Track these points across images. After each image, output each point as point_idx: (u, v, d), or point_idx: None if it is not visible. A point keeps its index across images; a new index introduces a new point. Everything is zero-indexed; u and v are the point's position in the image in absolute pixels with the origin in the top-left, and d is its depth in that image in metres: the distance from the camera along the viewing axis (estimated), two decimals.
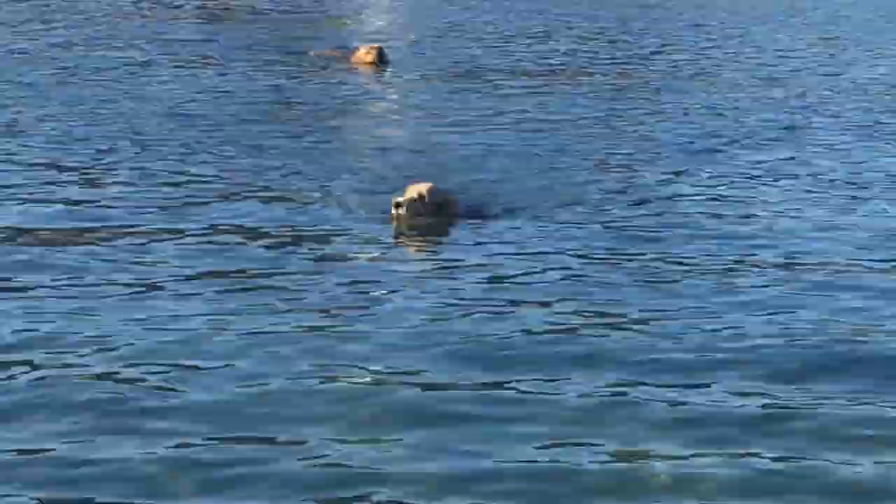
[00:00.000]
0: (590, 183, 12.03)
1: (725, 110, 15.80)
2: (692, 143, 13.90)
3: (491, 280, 9.17)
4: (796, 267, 9.65)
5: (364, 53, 19.13)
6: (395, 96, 16.99)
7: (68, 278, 8.86)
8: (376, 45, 19.34)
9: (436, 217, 10.44)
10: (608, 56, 20.47)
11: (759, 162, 12.95)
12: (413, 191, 10.52)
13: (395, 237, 10.27)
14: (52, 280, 8.83)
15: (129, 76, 17.09)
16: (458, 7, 26.19)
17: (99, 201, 10.89)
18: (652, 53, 20.95)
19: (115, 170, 11.97)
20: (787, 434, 6.80)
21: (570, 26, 23.79)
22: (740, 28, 24.26)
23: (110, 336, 7.79)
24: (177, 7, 24.83)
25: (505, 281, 9.16)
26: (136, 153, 12.66)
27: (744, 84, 17.86)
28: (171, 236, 9.96)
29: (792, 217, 11.02)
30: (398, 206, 10.39)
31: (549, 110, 15.55)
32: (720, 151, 13.48)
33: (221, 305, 8.44)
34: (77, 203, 10.82)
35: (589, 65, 19.50)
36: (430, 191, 10.52)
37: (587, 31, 23.38)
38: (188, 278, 8.98)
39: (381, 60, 18.97)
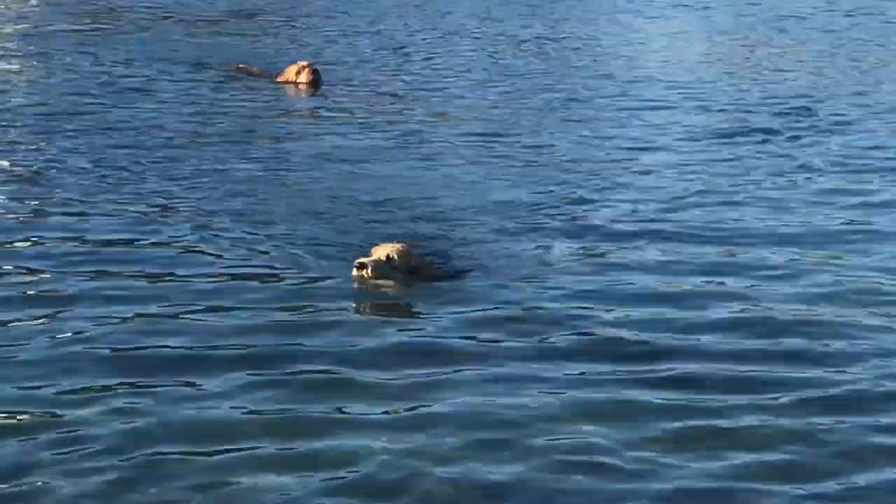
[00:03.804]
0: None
1: None
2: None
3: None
4: None
5: (295, 72, 17.90)
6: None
7: None
8: (308, 63, 18.15)
9: (406, 280, 9.39)
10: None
11: None
12: (381, 251, 9.48)
13: (354, 299, 9.19)
14: None
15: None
16: None
17: None
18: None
19: None
20: None
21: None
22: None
23: None
24: None
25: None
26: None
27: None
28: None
29: None
30: (361, 266, 9.35)
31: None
32: None
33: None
34: None
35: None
36: (399, 253, 9.47)
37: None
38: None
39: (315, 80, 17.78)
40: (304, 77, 17.63)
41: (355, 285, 9.30)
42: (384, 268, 9.38)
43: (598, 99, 17.70)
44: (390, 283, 9.33)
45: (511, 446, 6.93)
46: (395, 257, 9.41)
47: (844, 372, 8.16)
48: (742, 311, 9.22)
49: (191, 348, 8.06)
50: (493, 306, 9.06)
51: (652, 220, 11.47)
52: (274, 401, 7.35)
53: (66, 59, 18.51)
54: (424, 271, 9.62)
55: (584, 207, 11.84)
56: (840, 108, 17.27)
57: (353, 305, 9.05)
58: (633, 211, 11.81)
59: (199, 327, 8.38)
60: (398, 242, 9.65)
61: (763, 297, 9.54)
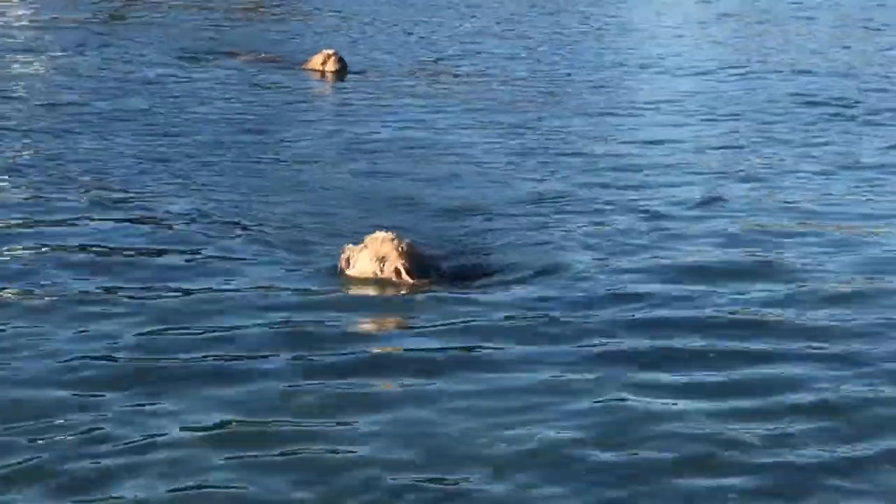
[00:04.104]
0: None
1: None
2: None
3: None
4: None
5: (321, 60, 17.71)
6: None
7: None
8: (333, 51, 17.97)
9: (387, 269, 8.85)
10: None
11: None
12: (371, 242, 8.94)
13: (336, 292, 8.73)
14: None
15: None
16: None
17: None
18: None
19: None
20: None
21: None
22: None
23: None
24: None
25: None
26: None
27: None
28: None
29: None
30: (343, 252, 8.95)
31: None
32: None
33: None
34: None
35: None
36: (371, 240, 8.89)
37: None
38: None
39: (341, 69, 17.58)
40: (329, 66, 17.52)
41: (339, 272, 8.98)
42: (368, 260, 8.90)
43: (624, 88, 17.52)
44: (368, 272, 8.89)
45: (536, 419, 6.78)
46: (368, 247, 8.92)
47: None
48: (798, 286, 9.05)
49: (209, 335, 7.87)
50: (504, 296, 8.75)
51: (689, 203, 11.32)
52: (297, 381, 7.21)
53: (83, 49, 18.34)
54: (412, 262, 8.91)
55: (619, 194, 11.61)
56: (880, 93, 17.09)
57: (347, 291, 8.77)
58: (667, 196, 11.58)
59: (222, 316, 8.17)
60: (386, 232, 9.01)
61: (819, 271, 9.42)
